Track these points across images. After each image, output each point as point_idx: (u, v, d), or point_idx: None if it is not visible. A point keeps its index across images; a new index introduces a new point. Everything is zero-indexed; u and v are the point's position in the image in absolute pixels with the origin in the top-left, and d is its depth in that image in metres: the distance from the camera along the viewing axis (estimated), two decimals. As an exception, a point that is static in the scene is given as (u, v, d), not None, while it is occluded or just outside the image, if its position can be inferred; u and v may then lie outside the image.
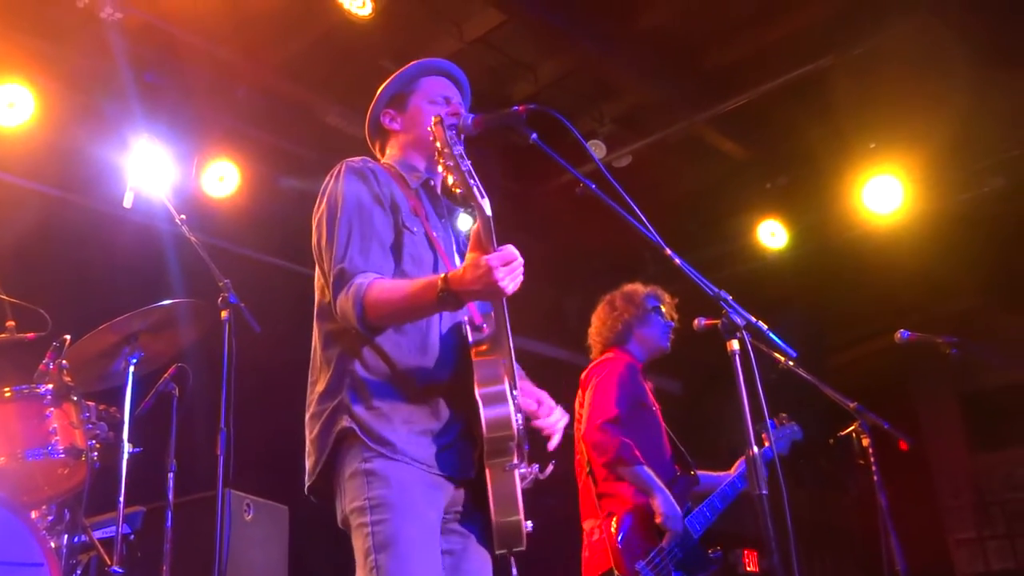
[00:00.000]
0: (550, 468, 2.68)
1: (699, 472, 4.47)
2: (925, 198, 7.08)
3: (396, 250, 2.62)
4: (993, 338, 6.77)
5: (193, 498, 4.65)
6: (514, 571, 3.88)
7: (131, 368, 4.18)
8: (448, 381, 2.56)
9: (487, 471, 2.47)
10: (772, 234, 7.60)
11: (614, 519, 4.17)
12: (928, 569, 8.50)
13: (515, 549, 2.52)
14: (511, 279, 2.31)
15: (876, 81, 6.16)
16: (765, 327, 2.78)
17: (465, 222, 3.04)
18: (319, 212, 2.69)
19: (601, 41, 6.12)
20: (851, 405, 4.55)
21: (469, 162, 2.36)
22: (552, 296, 8.19)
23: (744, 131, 6.99)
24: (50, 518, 4.07)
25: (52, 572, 3.63)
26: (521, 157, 6.69)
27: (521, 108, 2.66)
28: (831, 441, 4.71)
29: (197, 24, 5.50)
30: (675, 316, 4.67)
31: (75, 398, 4.03)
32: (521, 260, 2.33)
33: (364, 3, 5.23)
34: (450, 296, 2.35)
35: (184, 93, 5.95)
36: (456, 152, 2.35)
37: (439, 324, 2.61)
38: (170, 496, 4.27)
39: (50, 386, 3.97)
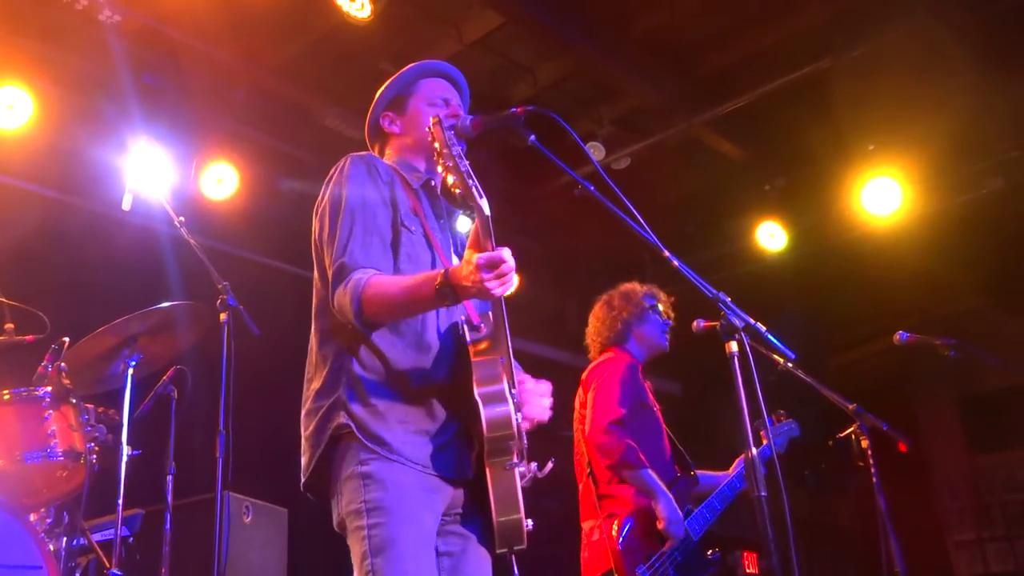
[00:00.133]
0: (549, 466, 2.68)
1: (698, 472, 4.47)
2: (924, 200, 7.08)
3: (393, 248, 2.62)
4: (992, 340, 6.76)
5: (192, 500, 4.65)
6: (515, 571, 3.87)
7: (130, 370, 4.18)
8: (445, 381, 2.56)
9: (487, 470, 2.46)
10: (771, 236, 7.61)
11: (615, 521, 4.16)
12: (927, 571, 8.52)
13: (516, 548, 2.51)
14: (498, 282, 2.29)
15: (875, 83, 6.16)
16: (764, 329, 2.78)
17: (464, 224, 3.04)
18: (322, 203, 2.70)
19: (600, 43, 6.12)
20: (850, 407, 4.54)
21: (468, 162, 2.36)
22: (551, 298, 8.19)
23: (743, 133, 6.99)
24: (49, 521, 4.07)
25: (51, 575, 3.63)
26: (520, 159, 6.69)
27: (520, 110, 2.66)
28: (830, 443, 4.70)
29: (196, 26, 5.50)
30: (672, 315, 4.67)
31: (74, 400, 4.03)
32: (511, 264, 2.31)
33: (363, 5, 5.23)
34: (448, 290, 2.34)
35: (183, 95, 5.95)
36: (455, 152, 2.36)
37: (436, 323, 2.61)
38: (169, 498, 4.27)
39: (49, 389, 3.96)
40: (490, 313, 2.58)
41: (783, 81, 6.21)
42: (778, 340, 2.82)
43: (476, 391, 2.45)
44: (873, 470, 4.43)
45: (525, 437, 2.61)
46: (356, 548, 2.43)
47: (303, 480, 2.59)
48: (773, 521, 2.55)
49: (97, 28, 5.21)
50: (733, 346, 2.71)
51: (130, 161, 5.49)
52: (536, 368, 2.89)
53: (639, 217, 2.77)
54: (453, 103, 2.89)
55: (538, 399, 2.74)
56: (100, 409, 4.18)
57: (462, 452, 2.54)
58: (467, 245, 2.45)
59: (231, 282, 4.07)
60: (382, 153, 2.95)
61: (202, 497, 4.57)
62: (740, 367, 2.68)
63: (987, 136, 6.77)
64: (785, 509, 2.56)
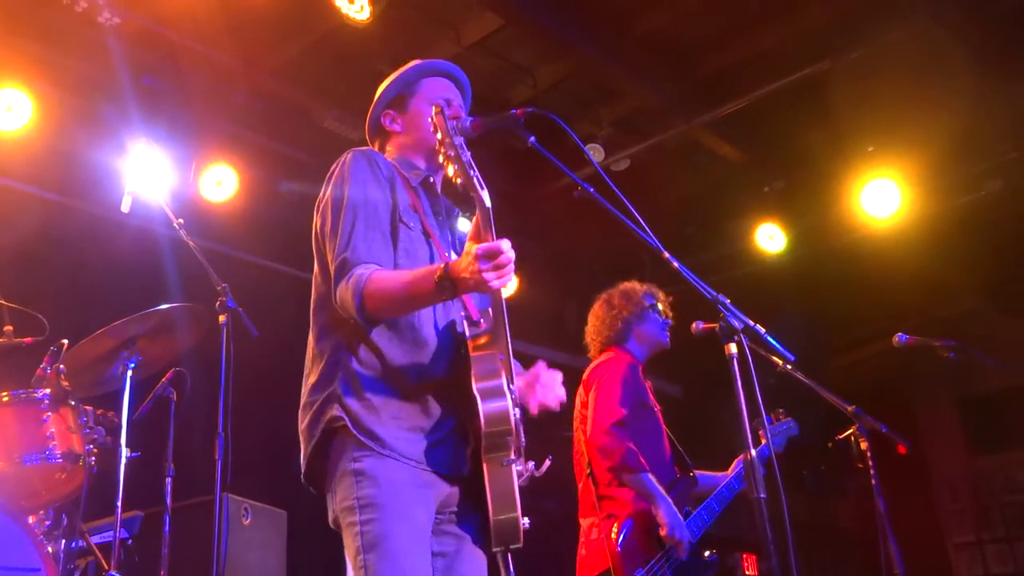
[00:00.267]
0: (546, 464, 2.68)
1: (697, 472, 4.47)
2: (923, 201, 7.09)
3: (392, 244, 2.62)
4: (992, 341, 6.75)
5: (191, 502, 4.65)
6: (511, 571, 3.86)
7: (129, 372, 4.18)
8: (441, 377, 2.56)
9: (484, 466, 2.46)
10: (770, 237, 7.61)
11: (615, 523, 4.16)
12: (927, 572, 8.51)
13: (512, 546, 2.50)
14: (496, 274, 2.28)
15: (874, 85, 6.17)
16: (763, 330, 2.78)
17: (465, 225, 3.04)
18: (324, 198, 2.70)
19: (599, 45, 6.12)
20: (849, 408, 4.54)
21: (470, 154, 2.36)
22: (550, 299, 8.19)
23: (742, 135, 7.00)
24: (47, 523, 4.06)
25: (49, 577, 3.62)
26: (520, 161, 6.68)
27: (519, 112, 2.66)
28: (830, 444, 4.70)
29: (195, 28, 5.50)
30: (671, 314, 4.68)
31: (73, 403, 4.02)
32: (510, 256, 2.29)
33: (362, 7, 5.22)
34: (448, 283, 2.33)
35: (182, 97, 5.95)
36: (457, 142, 2.37)
37: (434, 319, 2.61)
38: (168, 500, 4.26)
39: (48, 391, 3.96)
40: (490, 310, 2.57)
41: (782, 83, 6.21)
42: (777, 342, 2.82)
43: (475, 386, 2.44)
44: (872, 472, 4.42)
45: (523, 435, 2.61)
46: (349, 544, 2.43)
47: (302, 472, 2.60)
48: (772, 523, 2.55)
49: (96, 30, 5.21)
50: (732, 348, 2.72)
51: (129, 163, 5.50)
52: (535, 370, 2.88)
53: (639, 219, 2.77)
54: (455, 103, 2.88)
55: (553, 385, 2.73)
56: (99, 411, 4.18)
57: (458, 448, 2.53)
58: (468, 239, 2.44)
59: (230, 284, 4.07)
60: (382, 150, 2.94)
61: (201, 499, 4.57)
62: (739, 369, 2.68)
63: (986, 138, 6.77)
64: (784, 511, 2.56)
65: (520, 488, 2.50)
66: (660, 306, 4.67)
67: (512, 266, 2.32)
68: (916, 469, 8.97)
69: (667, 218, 7.15)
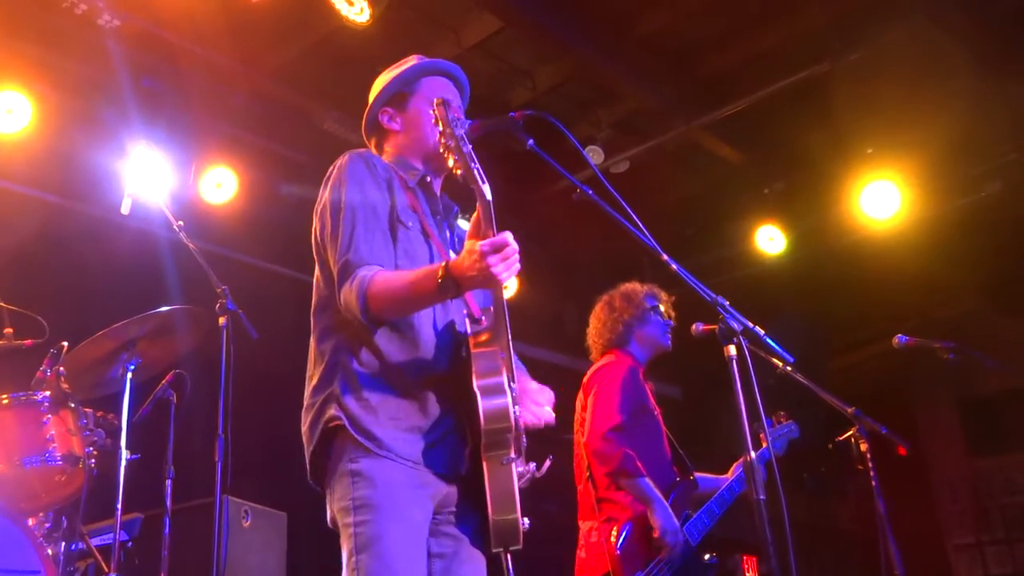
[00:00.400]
0: (547, 464, 2.67)
1: (697, 475, 4.47)
2: (923, 203, 7.09)
3: (392, 244, 2.62)
4: (991, 342, 6.75)
5: (191, 505, 4.65)
6: (511, 573, 3.86)
7: (129, 375, 4.17)
8: (441, 377, 2.56)
9: (484, 464, 2.45)
10: (770, 239, 7.61)
11: (615, 527, 4.16)
12: (927, 574, 8.51)
13: (512, 548, 2.49)
14: (504, 266, 2.27)
15: (874, 86, 6.17)
16: (762, 332, 2.78)
17: (464, 226, 3.03)
18: (323, 201, 2.69)
19: (598, 47, 6.12)
20: (849, 410, 4.54)
21: (471, 146, 2.35)
22: (550, 301, 8.19)
23: (742, 136, 7.00)
24: (47, 525, 4.06)
25: (49, 579, 3.62)
26: (519, 163, 6.67)
27: (518, 114, 2.66)
28: (829, 446, 4.69)
29: (195, 30, 5.50)
30: (673, 315, 4.66)
31: (72, 405, 4.02)
32: (515, 247, 2.29)
33: (362, 9, 5.23)
34: (450, 283, 2.33)
35: (182, 99, 5.95)
36: (458, 134, 2.35)
37: (434, 320, 2.61)
38: (168, 503, 4.26)
39: (47, 393, 3.96)
40: (491, 307, 2.57)
41: (782, 84, 6.21)
42: (777, 343, 2.82)
43: (475, 383, 2.44)
44: (872, 473, 4.42)
45: (524, 436, 2.61)
46: (345, 545, 2.44)
47: (308, 472, 2.61)
48: (772, 525, 2.55)
49: (96, 32, 5.22)
50: (732, 350, 2.72)
51: (129, 165, 5.50)
52: (535, 371, 2.89)
53: (638, 221, 2.78)
54: (454, 104, 2.86)
55: (537, 404, 2.74)
56: (99, 413, 4.18)
57: (456, 448, 2.52)
58: (467, 235, 2.43)
59: (230, 286, 4.07)
60: (380, 148, 2.94)
61: (201, 501, 4.56)
62: (739, 370, 2.68)
63: (986, 139, 6.78)
64: (784, 513, 2.56)
65: (520, 489, 2.50)
66: (662, 307, 4.65)
67: (518, 256, 2.31)
68: (916, 471, 8.96)
69: (667, 220, 7.16)
